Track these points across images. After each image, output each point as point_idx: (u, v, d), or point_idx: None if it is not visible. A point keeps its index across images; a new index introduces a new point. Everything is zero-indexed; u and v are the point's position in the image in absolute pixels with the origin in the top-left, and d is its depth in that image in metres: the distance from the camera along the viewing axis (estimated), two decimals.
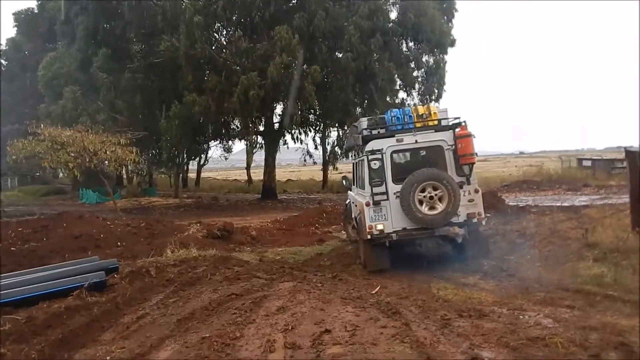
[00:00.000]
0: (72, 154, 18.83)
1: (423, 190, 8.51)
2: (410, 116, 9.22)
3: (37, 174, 49.38)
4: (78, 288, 7.44)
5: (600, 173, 30.64)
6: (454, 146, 8.71)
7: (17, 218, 18.41)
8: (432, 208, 8.54)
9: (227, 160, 49.30)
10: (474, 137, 8.63)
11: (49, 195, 43.59)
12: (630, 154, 10.83)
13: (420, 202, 8.53)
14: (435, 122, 9.12)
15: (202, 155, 45.95)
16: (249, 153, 45.30)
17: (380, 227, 8.68)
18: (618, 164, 30.66)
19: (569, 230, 11.64)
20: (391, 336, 5.35)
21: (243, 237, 13.98)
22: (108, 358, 5.21)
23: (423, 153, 9.18)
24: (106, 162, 19.83)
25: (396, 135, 8.99)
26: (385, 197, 8.75)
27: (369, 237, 8.71)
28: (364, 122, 9.56)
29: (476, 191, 8.78)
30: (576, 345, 4.86)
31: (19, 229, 13.66)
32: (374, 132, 9.20)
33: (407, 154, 9.27)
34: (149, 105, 28.84)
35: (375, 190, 8.77)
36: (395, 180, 8.80)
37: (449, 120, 9.16)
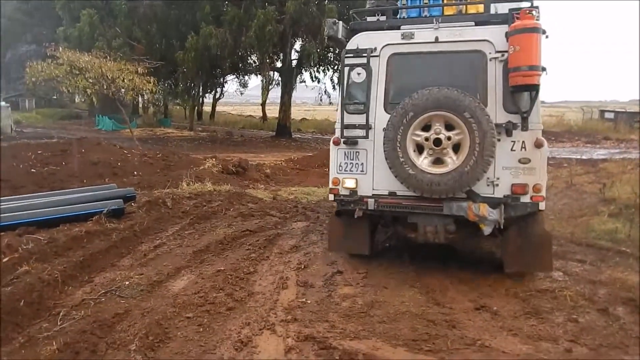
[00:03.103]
0: (90, 80, 18.82)
1: (426, 128, 4.97)
2: None
3: (54, 97, 49.54)
4: (97, 214, 7.61)
5: (622, 126, 30.25)
6: (505, 54, 4.93)
7: (36, 140, 18.63)
8: (437, 162, 5.00)
9: (242, 95, 48.89)
10: (546, 35, 4.72)
11: (65, 119, 43.95)
12: None
13: (419, 149, 5.04)
14: (480, 9, 5.39)
15: (218, 89, 45.61)
16: (265, 89, 44.87)
17: (350, 183, 5.47)
18: None
19: (585, 184, 11.59)
20: (401, 281, 5.48)
21: (257, 174, 14.10)
22: (127, 283, 5.39)
23: (449, 63, 5.25)
24: (123, 90, 19.81)
25: (403, 27, 5.40)
26: (365, 133, 5.37)
27: (332, 197, 5.63)
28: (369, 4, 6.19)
29: (538, 145, 4.98)
30: (585, 299, 4.97)
31: (39, 152, 13.86)
32: (371, 19, 5.75)
33: (419, 62, 5.37)
34: (166, 34, 28.33)
35: (351, 120, 5.41)
36: (390, 107, 5.34)
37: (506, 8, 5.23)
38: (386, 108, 5.37)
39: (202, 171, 12.73)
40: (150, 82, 20.07)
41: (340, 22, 5.65)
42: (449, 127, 4.90)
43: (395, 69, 5.39)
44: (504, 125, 4.96)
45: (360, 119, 5.38)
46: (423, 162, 5.00)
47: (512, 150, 5.02)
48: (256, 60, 31.82)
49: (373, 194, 5.45)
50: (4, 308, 4.45)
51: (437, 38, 5.22)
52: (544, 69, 4.71)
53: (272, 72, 33.90)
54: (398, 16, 5.74)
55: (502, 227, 5.00)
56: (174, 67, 28.54)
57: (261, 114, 48.49)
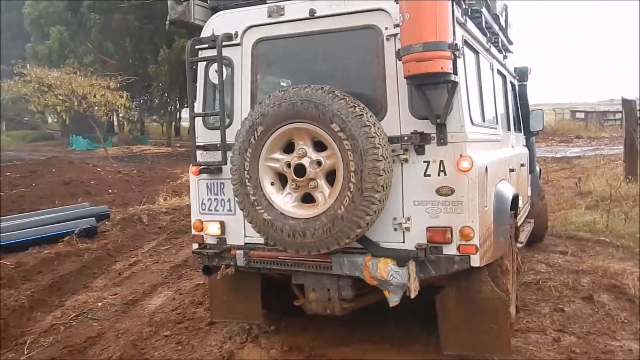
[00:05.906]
0: (60, 97, 18.46)
1: (288, 149, 3.32)
2: None
3: (26, 118, 48.56)
4: (68, 234, 7.33)
5: (592, 125, 31.96)
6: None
7: (5, 163, 18.15)
8: (308, 200, 3.30)
9: None
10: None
11: (38, 140, 43.03)
12: (626, 102, 11.20)
13: (282, 181, 3.36)
14: None
15: None
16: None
17: (214, 229, 3.78)
18: (610, 116, 33.39)
19: (561, 180, 12.27)
20: None
21: None
22: (100, 304, 5.17)
23: (331, 48, 3.59)
24: (95, 106, 19.48)
25: (269, 1, 3.62)
26: (221, 157, 3.61)
27: (195, 247, 3.89)
28: None
29: (462, 167, 3.13)
30: (569, 289, 5.05)
31: (7, 174, 13.45)
32: None
33: (293, 49, 3.74)
34: (139, 49, 28.07)
35: (207, 138, 3.79)
36: None
37: None
38: None
39: (180, 185, 12.55)
40: (122, 97, 19.76)
41: (192, 0, 3.80)
42: (320, 146, 3.21)
43: (263, 62, 3.73)
44: (407, 138, 3.23)
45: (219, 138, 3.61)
46: (285, 200, 3.29)
47: (425, 175, 3.22)
48: None
49: (245, 243, 3.69)
50: None
51: (312, 12, 3.46)
52: (455, 48, 2.92)
53: None
54: None
55: (412, 294, 3.16)
56: (148, 82, 28.25)
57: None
